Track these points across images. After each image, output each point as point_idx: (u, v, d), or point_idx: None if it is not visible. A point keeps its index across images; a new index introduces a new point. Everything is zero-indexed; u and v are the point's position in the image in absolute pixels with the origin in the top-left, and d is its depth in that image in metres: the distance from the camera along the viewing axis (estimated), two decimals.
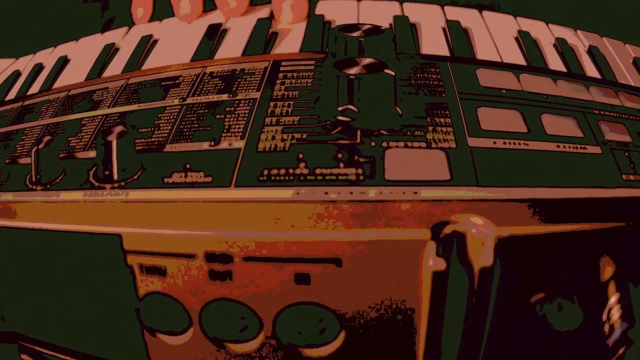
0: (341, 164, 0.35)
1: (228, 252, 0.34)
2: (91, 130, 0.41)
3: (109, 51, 0.54)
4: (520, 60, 0.47)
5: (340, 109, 0.38)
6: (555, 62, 0.48)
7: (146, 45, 0.53)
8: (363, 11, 0.54)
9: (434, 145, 0.36)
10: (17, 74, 0.56)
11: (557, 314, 0.35)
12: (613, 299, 0.35)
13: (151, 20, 0.57)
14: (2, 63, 0.61)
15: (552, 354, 0.36)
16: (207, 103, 0.42)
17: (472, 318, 0.34)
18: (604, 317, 0.35)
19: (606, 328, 0.36)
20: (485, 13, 0.54)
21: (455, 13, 0.54)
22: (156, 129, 0.40)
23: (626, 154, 0.37)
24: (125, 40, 0.56)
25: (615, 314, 0.35)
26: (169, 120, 0.40)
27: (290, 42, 0.49)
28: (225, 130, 0.39)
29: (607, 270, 0.35)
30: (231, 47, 0.50)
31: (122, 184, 0.36)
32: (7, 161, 0.41)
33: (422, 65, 0.44)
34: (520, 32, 0.51)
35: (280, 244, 0.33)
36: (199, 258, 0.34)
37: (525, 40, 0.50)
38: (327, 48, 0.44)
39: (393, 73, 0.37)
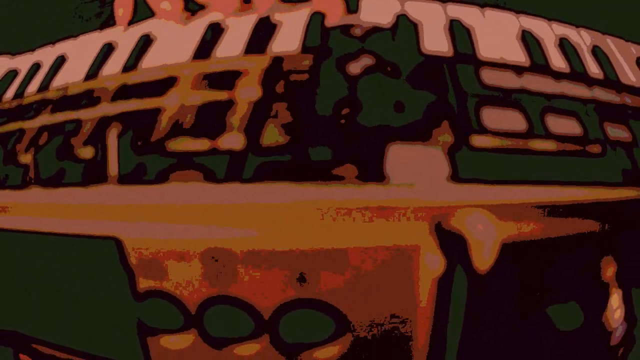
0: (342, 164, 0.35)
1: (229, 251, 0.34)
2: (90, 129, 0.41)
3: (108, 49, 0.53)
4: (523, 59, 0.47)
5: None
6: (557, 61, 0.47)
7: (145, 43, 0.53)
8: (364, 9, 0.54)
9: (436, 144, 0.36)
10: (14, 73, 0.56)
11: (559, 314, 0.35)
12: (615, 299, 0.35)
13: (132, 21, 0.57)
14: None
15: (554, 354, 0.36)
16: (207, 102, 0.41)
17: (474, 319, 0.34)
18: (606, 317, 0.35)
19: (608, 328, 0.35)
20: (487, 11, 0.53)
21: (457, 11, 0.53)
22: (156, 127, 0.40)
23: (629, 153, 0.37)
24: (124, 38, 0.55)
25: (617, 314, 0.35)
26: (169, 119, 0.40)
27: (290, 40, 0.49)
28: (225, 129, 0.38)
29: (609, 270, 0.34)
30: (231, 46, 0.50)
31: (122, 183, 0.36)
32: (4, 161, 0.41)
33: (424, 63, 0.43)
34: (522, 30, 0.51)
35: (282, 243, 0.33)
36: (200, 257, 0.34)
37: (527, 39, 0.49)
38: (327, 46, 0.44)
39: (395, 71, 0.37)
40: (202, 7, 0.55)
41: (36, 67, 0.55)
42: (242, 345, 0.36)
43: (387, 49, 0.41)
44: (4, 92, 0.53)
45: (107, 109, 0.43)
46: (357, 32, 0.41)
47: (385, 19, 0.51)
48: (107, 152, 0.36)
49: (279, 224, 0.33)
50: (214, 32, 0.52)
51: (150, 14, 0.56)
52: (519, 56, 0.47)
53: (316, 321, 0.35)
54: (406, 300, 0.34)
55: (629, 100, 0.42)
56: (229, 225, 0.34)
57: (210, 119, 0.40)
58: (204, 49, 0.49)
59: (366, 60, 0.38)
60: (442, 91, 0.41)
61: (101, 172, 0.36)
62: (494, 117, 0.38)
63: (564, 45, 0.50)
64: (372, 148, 0.36)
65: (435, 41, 0.48)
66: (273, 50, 0.48)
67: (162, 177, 0.36)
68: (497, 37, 0.49)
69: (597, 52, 0.50)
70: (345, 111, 0.37)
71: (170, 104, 0.42)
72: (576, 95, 0.42)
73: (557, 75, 0.44)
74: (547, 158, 0.36)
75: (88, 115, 0.43)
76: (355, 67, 0.37)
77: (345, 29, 0.42)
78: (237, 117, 0.39)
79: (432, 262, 0.33)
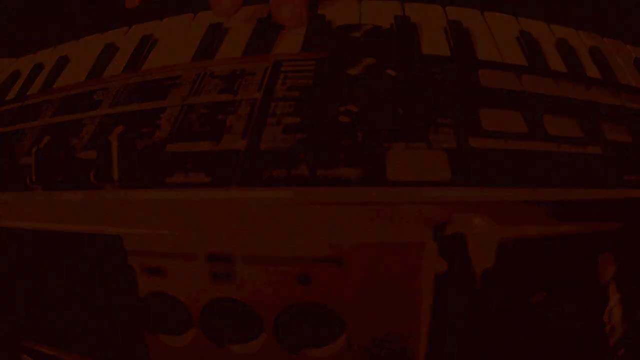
0: (343, 165, 0.35)
1: (229, 252, 0.34)
2: (91, 130, 0.41)
3: (110, 51, 0.54)
4: (522, 61, 0.47)
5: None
6: (556, 63, 0.47)
7: (146, 44, 0.53)
8: (364, 11, 0.54)
9: (435, 145, 0.36)
10: (17, 74, 0.56)
11: (558, 314, 0.35)
12: (614, 299, 0.35)
13: (140, 5, 0.55)
14: (2, 63, 0.61)
15: (553, 354, 0.36)
16: (208, 103, 0.42)
17: (473, 318, 0.34)
18: (606, 317, 0.35)
19: (607, 328, 0.36)
20: (486, 13, 0.54)
21: (456, 13, 0.53)
22: (157, 129, 0.40)
23: (627, 154, 0.37)
24: (126, 39, 0.56)
25: (617, 314, 0.35)
26: (170, 120, 0.40)
27: (291, 42, 0.49)
28: (226, 130, 0.38)
29: (608, 271, 0.35)
30: (232, 47, 0.50)
31: (123, 183, 0.36)
32: (7, 161, 0.41)
33: (424, 65, 0.44)
34: (521, 32, 0.51)
35: (282, 244, 0.33)
36: (200, 258, 0.34)
37: (526, 41, 0.50)
38: (328, 48, 0.44)
39: (394, 73, 0.37)
40: None
41: (38, 68, 0.55)
42: (241, 344, 0.36)
43: (388, 49, 0.41)
44: (7, 93, 0.53)
45: (108, 109, 0.43)
46: (358, 32, 0.41)
47: (386, 20, 0.51)
48: (109, 152, 0.36)
49: (279, 226, 0.33)
50: (216, 33, 0.52)
51: None
52: (518, 57, 0.48)
53: (316, 321, 0.35)
54: (407, 300, 0.34)
55: (627, 100, 0.43)
56: (230, 227, 0.34)
57: (213, 121, 0.40)
58: (206, 49, 0.50)
59: (367, 61, 0.38)
60: (442, 92, 0.41)
61: (103, 172, 0.36)
62: (493, 118, 0.39)
63: (563, 46, 0.50)
64: (374, 149, 0.36)
65: (435, 42, 0.48)
66: (275, 52, 0.48)
67: (162, 178, 0.36)
68: (497, 38, 0.50)
69: (595, 53, 0.50)
70: (346, 113, 0.38)
71: (171, 104, 0.42)
72: (575, 96, 0.42)
73: (556, 76, 0.44)
74: (546, 159, 0.36)
75: (90, 115, 0.43)
76: (356, 68, 0.38)
77: (347, 29, 0.42)
78: (240, 118, 0.39)
79: (434, 263, 0.33)
